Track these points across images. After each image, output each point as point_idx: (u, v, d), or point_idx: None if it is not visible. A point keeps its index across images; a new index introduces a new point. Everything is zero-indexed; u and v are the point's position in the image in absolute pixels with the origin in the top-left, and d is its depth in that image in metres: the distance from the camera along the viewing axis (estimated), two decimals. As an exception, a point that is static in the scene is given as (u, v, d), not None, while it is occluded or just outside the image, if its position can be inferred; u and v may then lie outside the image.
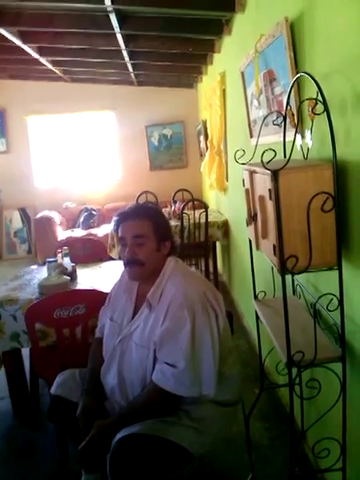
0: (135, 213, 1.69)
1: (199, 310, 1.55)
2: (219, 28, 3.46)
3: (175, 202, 5.02)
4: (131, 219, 1.67)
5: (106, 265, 3.09)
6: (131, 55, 4.55)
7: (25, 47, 4.29)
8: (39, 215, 6.43)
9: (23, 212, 7.02)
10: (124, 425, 1.52)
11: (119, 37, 3.80)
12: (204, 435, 1.60)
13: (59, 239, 5.98)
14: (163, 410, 1.58)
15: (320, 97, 1.36)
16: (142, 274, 1.68)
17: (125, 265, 1.69)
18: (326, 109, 1.34)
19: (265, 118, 1.94)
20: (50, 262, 2.75)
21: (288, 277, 1.50)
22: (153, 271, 1.67)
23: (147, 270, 1.66)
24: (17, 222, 7.01)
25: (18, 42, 4.07)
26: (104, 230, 6.05)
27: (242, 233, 3.51)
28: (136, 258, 1.64)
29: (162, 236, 1.68)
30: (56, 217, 6.43)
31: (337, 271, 1.44)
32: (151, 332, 1.60)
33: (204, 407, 1.63)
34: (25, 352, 2.59)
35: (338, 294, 1.46)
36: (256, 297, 2.11)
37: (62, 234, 6.27)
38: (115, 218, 1.71)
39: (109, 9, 3.10)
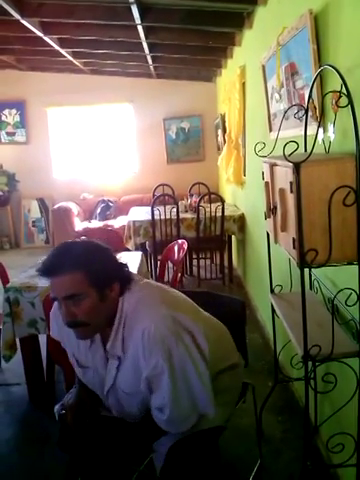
0: (60, 266, 1.33)
1: (173, 345, 1.36)
2: (240, 21, 3.44)
3: (191, 195, 5.02)
4: (56, 275, 1.33)
5: (122, 255, 3.11)
6: (151, 47, 4.55)
7: (46, 38, 4.31)
8: (57, 206, 6.50)
9: (41, 202, 7.09)
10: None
11: (140, 29, 3.80)
12: (228, 405, 1.64)
13: (76, 230, 6.04)
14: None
15: (344, 90, 1.35)
16: (91, 333, 1.44)
17: (68, 327, 1.41)
18: (350, 102, 1.33)
19: (286, 111, 1.93)
20: (68, 251, 2.77)
21: (305, 272, 1.50)
22: (104, 325, 1.44)
23: (95, 327, 1.42)
24: (35, 212, 7.09)
25: (39, 33, 4.10)
26: (120, 222, 6.08)
27: (258, 227, 3.50)
28: (75, 320, 1.37)
29: (103, 283, 1.38)
30: (74, 208, 6.49)
31: (356, 266, 1.43)
32: (136, 375, 1.43)
33: (222, 379, 1.61)
34: (42, 339, 2.63)
35: (357, 289, 1.45)
36: (272, 291, 2.11)
37: (79, 225, 6.32)
38: (37, 272, 1.37)
39: (131, 0, 3.10)
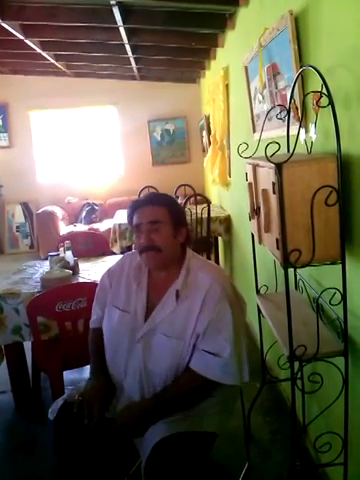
0: (150, 200, 1.66)
1: (234, 301, 1.59)
2: (222, 22, 3.44)
3: (177, 197, 5.01)
4: (146, 205, 1.63)
5: (108, 259, 3.09)
6: (134, 49, 4.54)
7: (28, 41, 4.27)
8: (41, 210, 6.43)
9: (25, 207, 7.02)
10: (158, 411, 1.53)
11: (122, 31, 3.78)
12: (225, 414, 1.66)
13: (61, 234, 5.98)
14: (200, 397, 1.60)
15: (325, 90, 1.35)
16: (160, 261, 1.63)
17: (141, 252, 1.63)
18: (331, 102, 1.33)
19: (269, 112, 1.93)
20: (52, 256, 2.75)
21: (290, 271, 1.50)
22: (171, 259, 1.64)
23: (165, 256, 1.62)
24: (19, 217, 7.01)
25: (20, 36, 4.06)
26: (106, 225, 6.05)
27: (244, 228, 3.50)
28: (153, 244, 1.59)
29: (178, 222, 1.65)
30: (58, 212, 6.44)
31: (340, 265, 1.43)
32: (185, 323, 1.57)
33: (226, 389, 1.64)
34: (27, 346, 2.60)
35: (341, 288, 1.46)
36: (258, 291, 2.11)
37: (64, 229, 6.27)
38: (130, 207, 1.67)
39: (112, 2, 3.09)
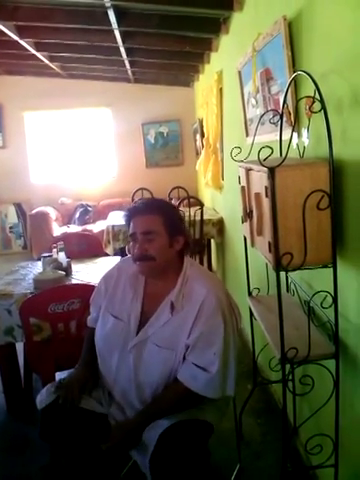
0: (145, 208, 1.64)
1: (228, 314, 1.57)
2: (217, 27, 3.45)
3: (171, 199, 5.01)
4: (141, 214, 1.62)
5: (101, 261, 3.10)
6: (128, 52, 4.55)
7: (22, 42, 4.26)
8: (35, 211, 6.42)
9: (19, 207, 6.99)
10: (148, 423, 1.55)
11: (117, 33, 3.79)
12: (221, 410, 1.69)
13: (55, 235, 5.97)
14: (187, 407, 1.59)
15: (317, 95, 1.37)
16: (154, 269, 1.63)
17: (135, 261, 1.63)
18: (323, 107, 1.35)
19: (262, 116, 1.95)
20: (45, 257, 2.75)
21: (282, 275, 1.52)
22: (165, 267, 1.63)
23: (159, 265, 1.61)
24: (13, 217, 6.98)
25: (15, 37, 4.05)
26: (99, 226, 6.04)
27: (237, 231, 3.52)
28: (146, 254, 1.59)
29: (174, 231, 1.62)
30: (52, 213, 6.42)
31: (331, 269, 1.45)
32: (178, 334, 1.57)
33: None
34: (19, 347, 2.59)
35: (332, 292, 1.47)
36: (250, 294, 2.12)
37: (58, 230, 6.25)
38: (125, 214, 1.67)
39: (107, 5, 3.10)
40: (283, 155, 1.41)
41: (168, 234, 1.60)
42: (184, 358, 1.58)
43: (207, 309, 1.55)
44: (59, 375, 1.90)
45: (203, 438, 1.57)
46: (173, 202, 4.81)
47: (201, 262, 4.62)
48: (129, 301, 1.68)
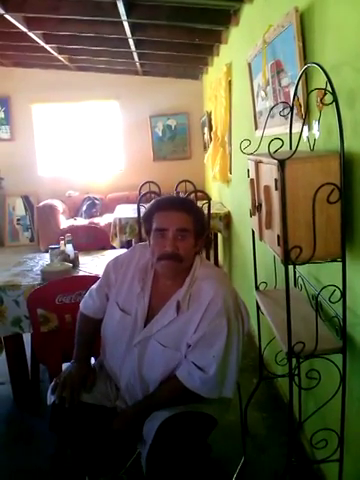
0: (180, 204, 1.57)
1: (233, 317, 1.53)
2: (227, 19, 3.43)
3: (178, 193, 5.01)
4: (176, 210, 1.55)
5: (108, 253, 3.10)
6: (137, 44, 4.52)
7: (30, 34, 4.26)
8: (42, 203, 6.44)
9: (26, 200, 7.01)
10: (146, 414, 1.56)
11: (126, 25, 3.77)
12: (221, 403, 1.66)
13: (62, 227, 5.99)
14: (185, 402, 1.59)
15: (329, 87, 1.36)
16: (178, 271, 1.58)
17: (160, 259, 1.54)
18: (335, 99, 1.34)
19: (272, 109, 1.93)
20: (53, 249, 2.76)
21: (290, 269, 1.51)
22: (185, 268, 1.59)
23: (183, 267, 1.57)
24: (20, 210, 7.01)
25: (23, 28, 4.04)
26: (106, 219, 6.05)
27: (244, 225, 3.51)
28: (177, 253, 1.52)
29: (200, 233, 1.59)
30: (59, 205, 6.44)
31: (339, 263, 1.44)
32: (183, 334, 1.56)
33: None
34: (26, 338, 2.60)
35: (341, 286, 1.46)
36: (257, 288, 2.12)
37: (65, 222, 6.27)
38: (153, 205, 1.59)
39: (117, -4, 3.08)
40: (293, 148, 1.39)
41: (195, 235, 1.57)
42: (185, 356, 1.57)
43: (212, 311, 1.51)
44: (66, 366, 1.90)
45: (203, 431, 1.57)
46: (180, 195, 4.82)
47: (207, 256, 4.62)
48: (136, 296, 1.65)
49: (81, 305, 1.86)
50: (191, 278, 1.58)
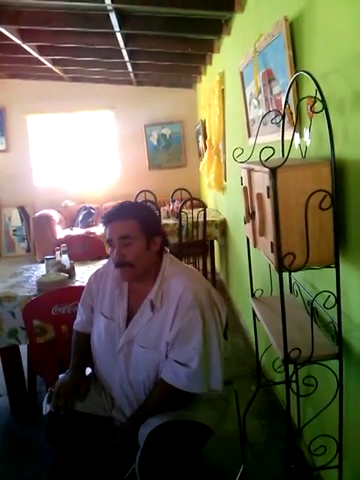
0: (119, 213, 1.62)
1: (207, 308, 1.56)
2: (218, 28, 3.47)
3: (173, 201, 5.03)
4: (116, 220, 1.61)
5: (104, 263, 3.09)
6: (130, 54, 4.56)
7: (25, 46, 4.29)
8: (38, 213, 6.44)
9: (22, 210, 7.02)
10: (141, 424, 1.56)
11: (119, 36, 3.81)
12: (216, 411, 1.67)
13: (58, 237, 5.98)
14: (176, 405, 1.60)
15: (319, 95, 1.37)
16: (134, 275, 1.63)
17: (115, 267, 1.63)
18: (325, 107, 1.35)
19: (263, 117, 1.95)
20: (48, 259, 2.75)
21: (285, 275, 1.52)
22: (145, 270, 1.64)
23: (138, 270, 1.61)
24: (16, 220, 7.01)
25: (18, 40, 4.07)
26: (102, 229, 6.03)
27: (240, 232, 3.52)
28: (124, 260, 1.59)
29: (150, 233, 1.62)
30: (55, 215, 6.44)
31: (334, 269, 1.45)
32: (160, 333, 1.59)
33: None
34: (23, 349, 2.59)
35: (335, 292, 1.47)
36: (253, 295, 2.12)
37: (61, 232, 6.27)
38: (102, 220, 1.67)
39: (109, 8, 3.11)
40: (285, 155, 1.40)
41: (145, 236, 1.60)
42: (167, 356, 1.59)
43: (183, 305, 1.55)
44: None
45: (194, 440, 1.57)
46: (176, 204, 4.83)
47: (204, 263, 4.63)
48: (115, 300, 1.71)
49: (74, 324, 1.91)
50: (161, 277, 1.63)
